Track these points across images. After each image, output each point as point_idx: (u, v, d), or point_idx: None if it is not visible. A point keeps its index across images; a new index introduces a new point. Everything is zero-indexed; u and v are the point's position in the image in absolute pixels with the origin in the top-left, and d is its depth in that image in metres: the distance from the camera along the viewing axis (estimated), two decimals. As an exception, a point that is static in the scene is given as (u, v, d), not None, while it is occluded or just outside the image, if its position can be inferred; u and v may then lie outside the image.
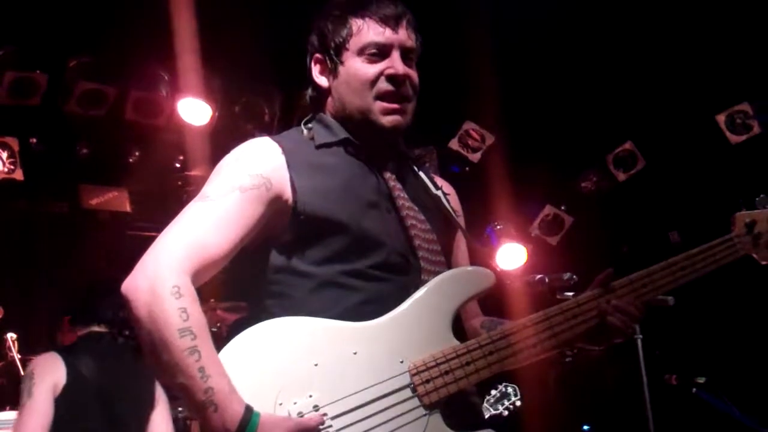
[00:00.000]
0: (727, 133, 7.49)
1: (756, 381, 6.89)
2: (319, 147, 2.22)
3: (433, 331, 2.06)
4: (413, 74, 2.28)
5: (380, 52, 2.21)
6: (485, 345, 2.08)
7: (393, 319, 2.06)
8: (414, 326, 2.05)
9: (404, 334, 2.04)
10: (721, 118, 7.49)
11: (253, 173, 2.13)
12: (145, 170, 7.71)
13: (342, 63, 2.22)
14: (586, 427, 5.49)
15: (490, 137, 7.89)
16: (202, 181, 7.79)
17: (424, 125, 8.25)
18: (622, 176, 8.17)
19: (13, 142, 7.03)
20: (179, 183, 7.86)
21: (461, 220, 2.42)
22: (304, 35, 2.40)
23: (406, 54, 2.26)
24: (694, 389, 5.37)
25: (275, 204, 2.13)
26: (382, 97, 2.20)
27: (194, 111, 7.19)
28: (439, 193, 2.34)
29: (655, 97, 7.50)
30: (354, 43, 2.22)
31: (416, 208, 2.25)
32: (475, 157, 7.92)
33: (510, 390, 4.95)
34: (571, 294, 3.78)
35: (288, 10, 6.54)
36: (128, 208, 7.82)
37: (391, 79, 2.20)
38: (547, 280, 3.81)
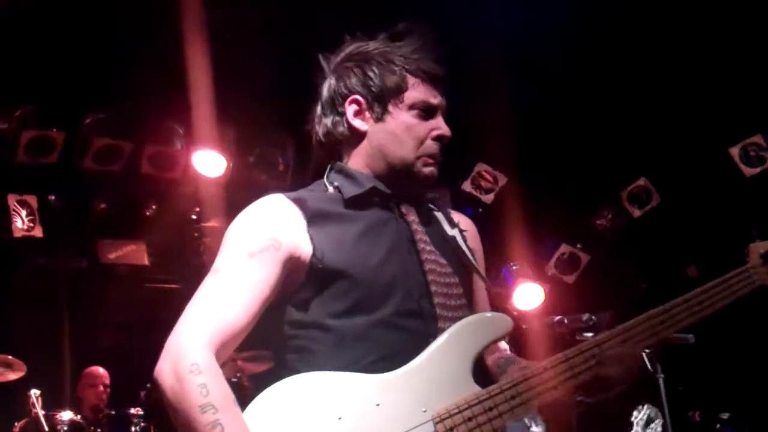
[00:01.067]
0: (741, 166, 7.48)
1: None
2: (348, 200, 2.21)
3: (454, 378, 2.07)
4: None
5: (429, 111, 2.27)
6: (507, 389, 2.07)
7: (414, 368, 2.07)
8: (435, 374, 2.06)
9: (426, 383, 2.05)
10: (734, 151, 7.49)
11: (259, 236, 2.13)
12: (161, 223, 7.78)
13: (390, 112, 2.25)
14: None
15: (502, 178, 7.91)
16: (218, 232, 7.91)
17: (438, 168, 8.28)
18: (637, 212, 8.16)
19: (32, 200, 7.12)
20: (196, 234, 7.91)
21: (480, 258, 2.42)
22: (319, 74, 2.41)
23: (443, 114, 2.33)
24: (718, 425, 5.32)
25: (289, 262, 2.13)
26: (428, 155, 2.26)
27: (209, 163, 7.27)
28: (455, 231, 2.33)
29: (667, 132, 7.51)
30: (407, 97, 2.25)
31: (437, 252, 2.24)
32: (489, 198, 7.94)
33: (652, 413, 4.68)
34: (590, 335, 3.76)
35: (298, 60, 6.63)
36: (146, 261, 7.87)
37: (439, 139, 2.27)
38: (566, 321, 3.79)
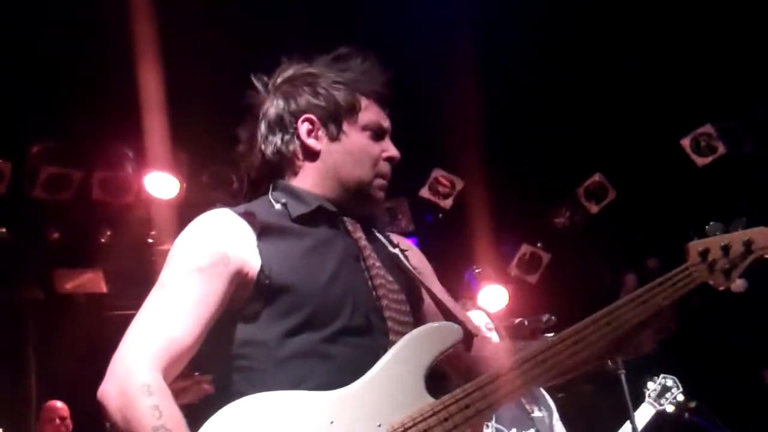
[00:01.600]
0: (693, 156, 7.57)
1: (747, 400, 6.87)
2: (295, 219, 2.18)
3: (407, 390, 2.04)
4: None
5: (381, 133, 2.29)
6: (461, 399, 2.04)
7: (366, 383, 2.03)
8: (388, 388, 2.02)
9: (379, 397, 2.01)
10: (686, 142, 7.57)
11: (207, 250, 2.07)
12: (117, 249, 7.65)
13: (344, 132, 2.25)
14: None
15: (459, 182, 7.92)
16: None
17: (394, 177, 8.27)
18: (594, 208, 8.21)
19: (-18, 233, 6.97)
20: (153, 258, 7.79)
21: (429, 274, 2.43)
22: (255, 94, 2.42)
23: (390, 136, 2.37)
24: (687, 414, 5.35)
25: (237, 277, 2.07)
26: (382, 176, 2.28)
27: (162, 185, 7.17)
28: (396, 250, 2.31)
29: (619, 126, 7.57)
30: (361, 118, 2.27)
31: (385, 269, 2.23)
32: (447, 203, 7.94)
33: (670, 382, 4.56)
34: (551, 335, 3.75)
35: (248, 79, 6.57)
36: (104, 289, 7.75)
37: (391, 160, 2.31)
38: (526, 323, 3.78)
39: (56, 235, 7.41)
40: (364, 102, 2.27)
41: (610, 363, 3.54)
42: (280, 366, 2.02)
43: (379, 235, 2.33)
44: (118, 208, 7.36)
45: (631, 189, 8.14)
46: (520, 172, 7.99)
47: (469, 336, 2.16)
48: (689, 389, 4.92)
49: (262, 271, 2.05)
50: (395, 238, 2.38)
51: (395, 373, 2.04)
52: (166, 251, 7.36)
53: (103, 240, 7.60)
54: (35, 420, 6.99)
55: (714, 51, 6.78)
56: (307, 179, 2.25)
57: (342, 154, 2.24)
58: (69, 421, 6.88)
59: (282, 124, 2.28)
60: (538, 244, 8.48)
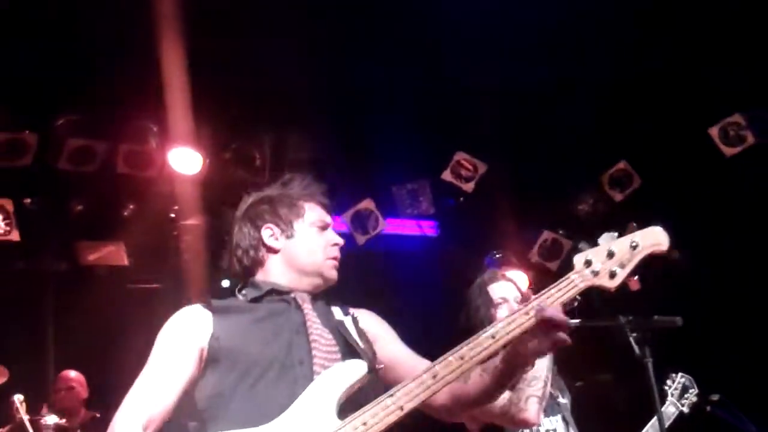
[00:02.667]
0: (721, 146, 7.48)
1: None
2: (250, 301, 2.82)
3: (321, 417, 2.50)
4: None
5: (324, 226, 2.95)
6: (357, 417, 2.45)
7: (288, 415, 2.52)
8: (306, 417, 2.50)
9: (299, 425, 2.49)
10: (714, 131, 7.48)
11: (180, 337, 2.71)
12: (140, 223, 7.70)
13: (297, 231, 2.91)
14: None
15: (482, 166, 7.87)
16: (197, 230, 7.80)
17: (416, 159, 8.28)
18: (618, 196, 8.14)
19: (8, 204, 7.03)
20: (174, 233, 7.84)
21: (381, 332, 2.93)
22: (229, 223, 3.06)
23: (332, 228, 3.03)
24: (709, 407, 5.29)
25: (199, 351, 2.69)
26: (332, 258, 2.91)
27: (185, 160, 7.20)
28: (347, 318, 2.89)
29: (647, 114, 7.50)
30: (308, 218, 2.94)
31: (325, 330, 2.75)
32: (469, 186, 7.90)
33: (687, 382, 4.46)
34: (577, 321, 3.71)
35: (272, 55, 6.57)
36: (126, 262, 7.80)
37: (336, 245, 2.95)
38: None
39: (80, 207, 7.47)
40: (307, 207, 2.96)
41: (637, 351, 3.46)
42: (229, 410, 2.60)
43: (335, 308, 2.92)
44: (142, 181, 7.40)
45: (656, 178, 8.06)
46: (544, 158, 7.94)
47: (374, 370, 2.66)
48: (708, 382, 4.82)
49: (212, 336, 2.69)
50: (352, 309, 2.95)
51: (311, 405, 2.52)
52: (188, 226, 7.44)
53: (126, 213, 7.65)
54: (52, 389, 7.07)
55: (745, 39, 6.69)
56: (273, 270, 2.90)
57: (297, 247, 2.90)
58: (78, 390, 6.95)
59: (250, 237, 2.94)
60: (560, 231, 8.43)
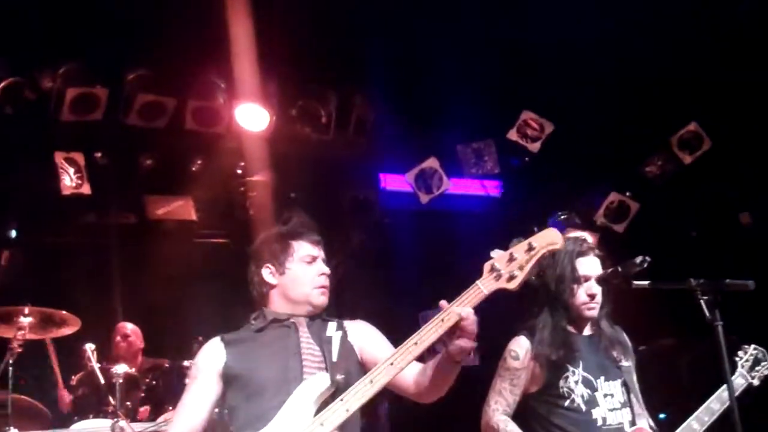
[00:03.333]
0: (795, 109, 7.27)
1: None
2: (256, 331, 3.42)
3: (301, 420, 3.11)
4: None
5: (313, 260, 3.46)
6: (326, 412, 3.04)
7: (277, 420, 3.15)
8: (289, 421, 3.12)
9: (284, 428, 3.13)
10: (788, 94, 7.27)
11: (203, 367, 3.40)
12: (207, 178, 7.82)
13: (288, 267, 3.43)
14: (662, 416, 5.34)
15: (549, 125, 7.78)
16: (263, 186, 7.88)
17: (482, 118, 8.20)
18: (687, 158, 7.99)
19: (79, 157, 7.18)
20: (241, 189, 7.94)
21: (370, 340, 3.45)
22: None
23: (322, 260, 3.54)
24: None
25: (217, 378, 3.35)
26: (320, 286, 3.44)
27: (252, 117, 7.27)
28: (338, 332, 3.39)
29: (720, 75, 7.32)
30: (297, 255, 3.44)
31: (316, 347, 3.32)
32: (535, 146, 7.82)
33: (760, 354, 4.27)
34: (647, 283, 3.67)
35: (339, 13, 6.56)
36: (194, 216, 7.92)
37: (324, 276, 3.47)
38: (619, 269, 3.69)
39: (149, 162, 7.59)
40: (296, 245, 3.47)
41: (708, 315, 3.41)
42: (240, 421, 3.27)
43: (331, 323, 3.44)
44: (209, 137, 7.49)
45: (727, 141, 7.88)
46: (612, 118, 7.81)
47: (335, 381, 3.13)
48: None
49: (226, 364, 3.35)
50: (347, 322, 3.49)
51: (291, 412, 3.13)
52: (255, 182, 7.54)
53: (193, 169, 7.76)
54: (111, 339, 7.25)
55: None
56: (274, 301, 3.47)
57: (289, 281, 3.44)
58: (133, 340, 7.11)
59: (255, 275, 3.50)
60: (627, 193, 8.30)
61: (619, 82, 7.49)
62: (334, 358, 3.27)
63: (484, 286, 2.95)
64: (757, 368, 4.11)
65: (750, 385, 4.11)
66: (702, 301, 3.41)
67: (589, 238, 4.07)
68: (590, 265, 3.82)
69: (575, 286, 3.77)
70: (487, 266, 2.97)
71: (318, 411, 3.09)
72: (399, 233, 8.38)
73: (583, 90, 7.55)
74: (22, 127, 6.95)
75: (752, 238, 8.20)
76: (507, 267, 2.93)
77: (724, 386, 3.77)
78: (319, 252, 3.50)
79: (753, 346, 4.19)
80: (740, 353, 4.14)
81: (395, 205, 8.40)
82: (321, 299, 3.43)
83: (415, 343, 3.00)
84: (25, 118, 6.89)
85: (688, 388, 7.33)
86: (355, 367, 3.34)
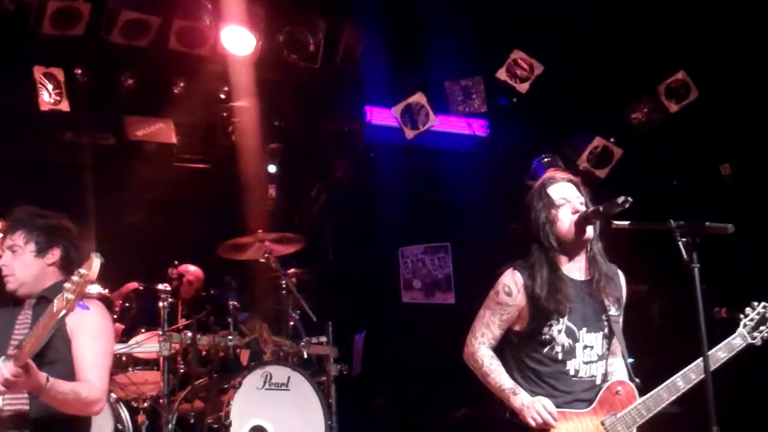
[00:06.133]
0: (785, 67, 7.23)
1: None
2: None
3: None
4: (8, 264, 3.80)
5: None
6: None
7: None
8: None
9: None
10: (779, 51, 7.22)
11: None
12: (190, 101, 7.68)
13: None
14: (630, 360, 5.42)
15: (538, 66, 7.70)
16: (247, 112, 7.80)
17: (471, 55, 8.11)
18: (674, 107, 7.96)
19: (59, 73, 7.03)
20: (225, 114, 7.84)
21: (75, 330, 3.63)
22: None
23: (11, 249, 3.80)
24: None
25: None
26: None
27: (238, 40, 7.13)
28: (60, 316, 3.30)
29: (709, 24, 7.25)
30: None
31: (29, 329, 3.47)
32: (524, 87, 7.75)
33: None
34: (626, 222, 3.65)
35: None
36: (174, 140, 7.82)
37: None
38: (601, 209, 3.67)
39: (130, 82, 7.43)
40: None
41: (685, 256, 3.39)
42: None
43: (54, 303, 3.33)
44: (193, 59, 7.34)
45: (714, 91, 7.85)
46: (602, 63, 7.75)
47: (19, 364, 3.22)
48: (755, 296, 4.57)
49: None
50: (78, 308, 3.39)
51: None
52: (239, 108, 7.46)
53: (176, 91, 7.61)
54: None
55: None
56: None
57: None
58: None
59: None
60: (612, 139, 8.29)
61: (611, 27, 7.42)
62: (28, 341, 3.31)
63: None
64: (761, 327, 3.90)
65: (752, 345, 3.92)
66: (680, 243, 3.41)
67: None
68: (563, 189, 3.78)
69: (554, 212, 3.71)
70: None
71: None
72: (383, 167, 8.37)
73: (575, 33, 7.48)
74: (0, 40, 6.79)
75: (732, 190, 8.25)
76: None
77: (722, 343, 3.77)
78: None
79: (763, 303, 3.97)
80: (747, 310, 3.93)
81: (380, 139, 8.36)
82: (9, 287, 3.74)
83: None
84: (3, 29, 6.73)
85: (659, 334, 7.43)
86: (68, 355, 3.60)
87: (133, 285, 6.82)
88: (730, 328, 3.96)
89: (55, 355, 3.55)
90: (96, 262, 3.14)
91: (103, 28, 6.88)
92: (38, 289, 3.75)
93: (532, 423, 3.57)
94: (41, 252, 3.81)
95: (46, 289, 3.74)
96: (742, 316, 3.96)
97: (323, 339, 6.38)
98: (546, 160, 7.69)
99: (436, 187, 8.55)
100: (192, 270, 7.36)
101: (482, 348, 3.77)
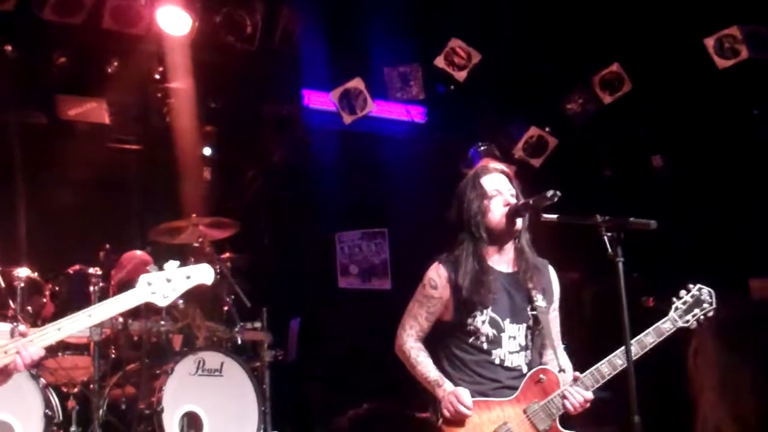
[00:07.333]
0: (715, 58, 7.40)
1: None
2: None
3: None
4: None
5: None
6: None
7: None
8: None
9: None
10: (709, 42, 7.39)
11: None
12: (124, 81, 7.53)
13: None
14: (563, 346, 5.52)
15: (476, 55, 7.75)
16: (182, 93, 7.67)
17: (410, 42, 8.12)
18: (608, 98, 8.09)
19: (-12, 49, 6.85)
20: (159, 95, 7.71)
21: None
22: None
23: None
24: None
25: None
26: None
27: (174, 20, 7.00)
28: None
29: (644, 18, 7.38)
30: None
31: None
32: (461, 75, 7.80)
33: (704, 295, 3.91)
34: (555, 216, 3.71)
35: None
36: (107, 120, 7.67)
37: None
38: (530, 201, 3.71)
39: (62, 60, 7.26)
40: None
41: (610, 250, 3.46)
42: None
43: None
44: (128, 39, 7.19)
45: (647, 84, 8.00)
46: (538, 54, 7.84)
47: None
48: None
49: None
50: None
51: None
52: (174, 89, 7.34)
53: (110, 70, 7.45)
54: (26, 242, 7.05)
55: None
56: None
57: None
58: None
59: None
60: (547, 129, 8.40)
61: (548, 17, 7.50)
62: None
63: (136, 298, 3.24)
64: (695, 310, 3.86)
65: (685, 328, 3.88)
66: (605, 238, 3.47)
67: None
68: (496, 180, 3.81)
69: (486, 203, 3.75)
70: (143, 279, 3.25)
71: None
72: (321, 152, 8.34)
73: (511, 23, 7.54)
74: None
75: (662, 181, 8.45)
76: (163, 286, 3.27)
77: (652, 328, 3.80)
78: None
79: (699, 286, 3.93)
80: (682, 292, 3.90)
81: (318, 123, 8.33)
82: None
83: (59, 329, 3.15)
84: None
85: (589, 320, 7.58)
86: None
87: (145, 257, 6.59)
88: (661, 315, 4.02)
89: None
90: (212, 272, 3.34)
91: (34, 4, 6.70)
92: None
93: (446, 413, 3.63)
94: None
95: None
96: (675, 299, 3.94)
97: (258, 324, 6.34)
98: (482, 148, 7.76)
99: (374, 173, 8.55)
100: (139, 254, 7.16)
101: (410, 340, 3.83)
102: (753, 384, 1.61)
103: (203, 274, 3.36)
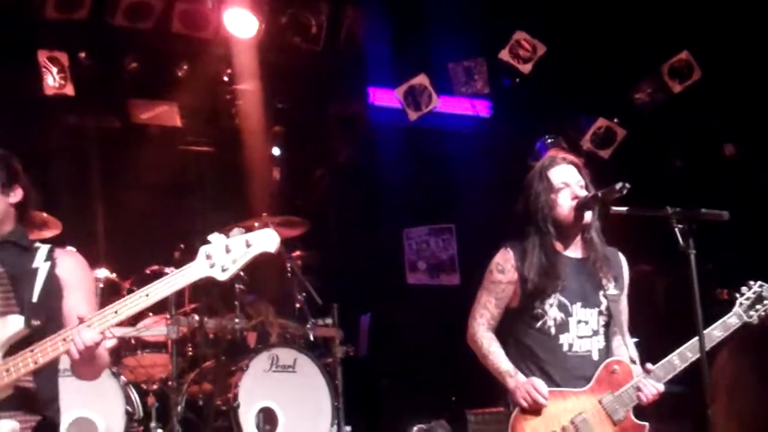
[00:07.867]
0: (787, 42, 7.22)
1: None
2: None
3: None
4: None
5: None
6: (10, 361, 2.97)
7: None
8: None
9: None
10: (781, 26, 7.21)
11: None
12: (194, 84, 7.69)
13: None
14: (634, 340, 5.44)
15: (541, 47, 7.70)
16: (250, 95, 7.80)
17: (473, 37, 8.11)
18: (677, 87, 7.95)
19: (63, 57, 7.03)
20: (228, 97, 7.85)
21: (68, 282, 3.20)
22: None
23: None
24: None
25: None
26: None
27: (241, 23, 7.13)
28: (45, 264, 3.16)
29: (712, 3, 7.24)
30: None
31: (7, 279, 3.09)
32: (526, 68, 7.75)
33: (765, 291, 3.96)
34: (624, 209, 3.67)
35: None
36: (178, 123, 7.84)
37: None
38: (599, 194, 3.68)
39: (134, 65, 7.45)
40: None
41: (681, 243, 3.41)
42: None
43: (38, 253, 3.20)
44: (197, 42, 7.35)
45: (717, 71, 7.84)
46: (605, 43, 7.74)
47: (30, 326, 2.97)
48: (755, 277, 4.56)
49: None
50: (56, 253, 3.23)
51: None
52: (242, 91, 7.46)
53: (180, 74, 7.62)
54: (104, 244, 7.23)
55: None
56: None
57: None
58: None
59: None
60: (615, 119, 8.29)
61: (614, 5, 7.40)
62: (36, 298, 3.06)
63: (197, 272, 2.99)
64: (757, 306, 3.89)
65: (749, 324, 3.92)
66: (676, 230, 3.42)
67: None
68: (564, 172, 3.77)
69: (554, 196, 3.71)
70: (203, 251, 3.00)
71: (6, 355, 2.96)
72: (387, 149, 8.38)
73: (577, 13, 7.46)
74: (4, 24, 6.79)
75: (735, 170, 8.26)
76: (222, 258, 2.98)
77: (716, 325, 3.77)
78: None
79: (759, 282, 3.95)
80: (743, 289, 3.92)
81: (384, 120, 8.37)
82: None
83: (147, 295, 2.97)
84: (7, 14, 6.73)
85: (663, 312, 7.47)
86: (59, 312, 3.15)
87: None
88: (730, 308, 3.99)
89: (50, 313, 3.14)
90: (275, 238, 2.98)
91: (106, 11, 6.89)
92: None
93: (523, 403, 3.60)
94: (5, 188, 3.28)
95: (10, 233, 3.24)
96: (738, 295, 3.94)
97: (329, 321, 6.41)
98: (549, 141, 7.71)
99: (440, 169, 8.55)
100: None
101: (481, 329, 3.80)
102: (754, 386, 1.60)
103: (265, 240, 3.01)
